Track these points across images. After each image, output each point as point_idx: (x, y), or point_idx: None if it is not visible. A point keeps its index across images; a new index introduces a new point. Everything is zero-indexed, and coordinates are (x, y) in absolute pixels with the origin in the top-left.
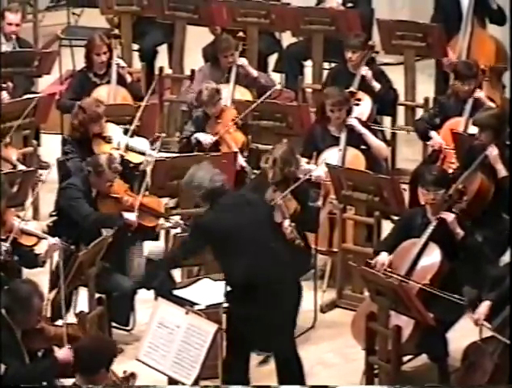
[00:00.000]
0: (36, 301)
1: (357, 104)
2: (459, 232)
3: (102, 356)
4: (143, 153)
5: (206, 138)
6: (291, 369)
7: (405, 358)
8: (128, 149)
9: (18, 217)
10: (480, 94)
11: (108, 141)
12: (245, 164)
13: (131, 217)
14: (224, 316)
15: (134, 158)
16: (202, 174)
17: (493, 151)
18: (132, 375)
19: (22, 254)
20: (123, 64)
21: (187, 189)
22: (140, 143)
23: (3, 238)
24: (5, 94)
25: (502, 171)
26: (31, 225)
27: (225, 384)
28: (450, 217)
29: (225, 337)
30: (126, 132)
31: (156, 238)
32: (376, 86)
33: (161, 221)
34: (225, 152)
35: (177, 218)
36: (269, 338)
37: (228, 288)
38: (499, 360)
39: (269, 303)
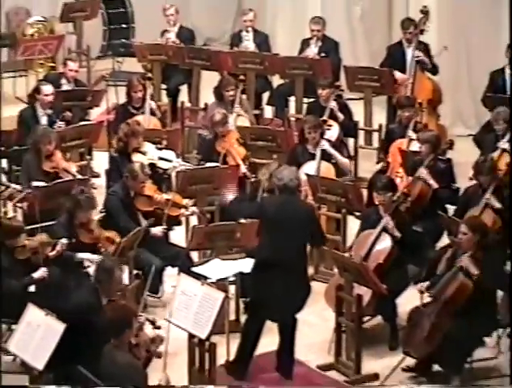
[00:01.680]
0: (118, 273)
1: (328, 129)
2: (397, 235)
3: (121, 321)
4: (170, 161)
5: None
6: (289, 331)
7: (365, 319)
8: (159, 158)
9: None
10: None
11: (144, 153)
12: (246, 171)
13: (157, 231)
14: (231, 287)
15: (164, 165)
16: (287, 172)
17: (422, 172)
18: (160, 339)
19: None
20: (154, 105)
21: (273, 176)
22: (169, 154)
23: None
24: (60, 122)
25: (434, 185)
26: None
27: (241, 339)
28: (390, 224)
29: (247, 303)
30: (158, 148)
31: (179, 223)
32: (340, 116)
33: (183, 210)
34: (231, 165)
35: (194, 208)
36: (280, 308)
37: (253, 266)
38: (436, 320)
39: (284, 279)
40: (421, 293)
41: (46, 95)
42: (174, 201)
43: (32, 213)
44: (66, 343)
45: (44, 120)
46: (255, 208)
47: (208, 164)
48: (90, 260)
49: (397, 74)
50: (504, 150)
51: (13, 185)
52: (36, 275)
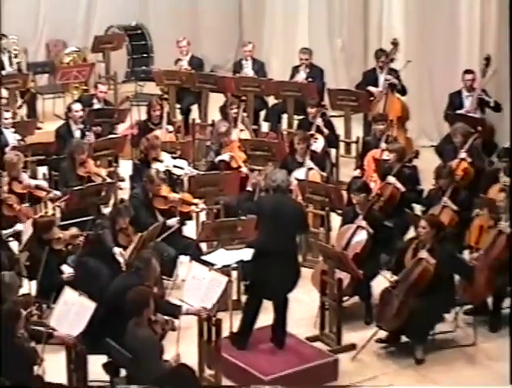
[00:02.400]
0: (154, 262)
1: (315, 141)
2: (370, 230)
3: (141, 302)
4: (183, 168)
5: (224, 156)
6: (282, 309)
7: (345, 298)
8: (174, 166)
9: None
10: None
11: (161, 162)
12: (247, 171)
13: (172, 222)
14: (233, 272)
15: (177, 171)
16: (280, 175)
17: (391, 179)
18: (172, 322)
19: None
20: (171, 129)
21: (267, 178)
22: (181, 162)
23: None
24: (91, 136)
25: (402, 189)
26: None
27: (242, 316)
28: (362, 223)
29: (248, 285)
30: (173, 157)
31: (190, 218)
32: (325, 131)
33: (193, 207)
34: (233, 169)
35: (203, 206)
36: (275, 289)
37: (252, 254)
38: (403, 299)
39: (279, 265)
40: (390, 282)
41: (76, 112)
42: (186, 200)
43: (68, 211)
44: (97, 320)
45: (77, 134)
46: (254, 205)
47: (218, 158)
48: (122, 255)
49: (372, 89)
50: (462, 159)
51: (54, 191)
52: (65, 276)
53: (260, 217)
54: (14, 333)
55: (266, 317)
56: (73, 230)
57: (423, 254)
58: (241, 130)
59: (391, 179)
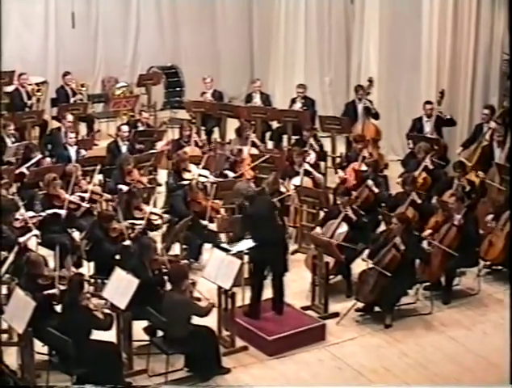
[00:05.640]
0: (153, 245)
1: (308, 155)
2: (353, 217)
3: (179, 275)
4: (206, 177)
5: (231, 174)
6: (281, 280)
7: (330, 277)
8: (199, 175)
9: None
10: (365, 152)
11: (189, 171)
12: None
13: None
14: (245, 257)
15: (202, 179)
16: (243, 185)
17: (369, 182)
18: (194, 283)
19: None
20: (200, 143)
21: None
22: (205, 172)
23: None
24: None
25: (376, 190)
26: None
27: (251, 287)
28: (349, 211)
29: (252, 267)
30: (199, 168)
31: (212, 222)
32: (316, 148)
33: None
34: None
35: (223, 213)
36: (275, 263)
37: (254, 243)
38: (376, 279)
39: (274, 249)
40: (368, 262)
41: (124, 132)
42: (214, 207)
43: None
44: (138, 292)
45: (124, 149)
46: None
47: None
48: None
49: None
50: (424, 169)
51: (106, 195)
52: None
53: (250, 222)
54: (80, 299)
55: (269, 291)
56: (125, 223)
57: (397, 240)
58: (257, 147)
59: (369, 182)
